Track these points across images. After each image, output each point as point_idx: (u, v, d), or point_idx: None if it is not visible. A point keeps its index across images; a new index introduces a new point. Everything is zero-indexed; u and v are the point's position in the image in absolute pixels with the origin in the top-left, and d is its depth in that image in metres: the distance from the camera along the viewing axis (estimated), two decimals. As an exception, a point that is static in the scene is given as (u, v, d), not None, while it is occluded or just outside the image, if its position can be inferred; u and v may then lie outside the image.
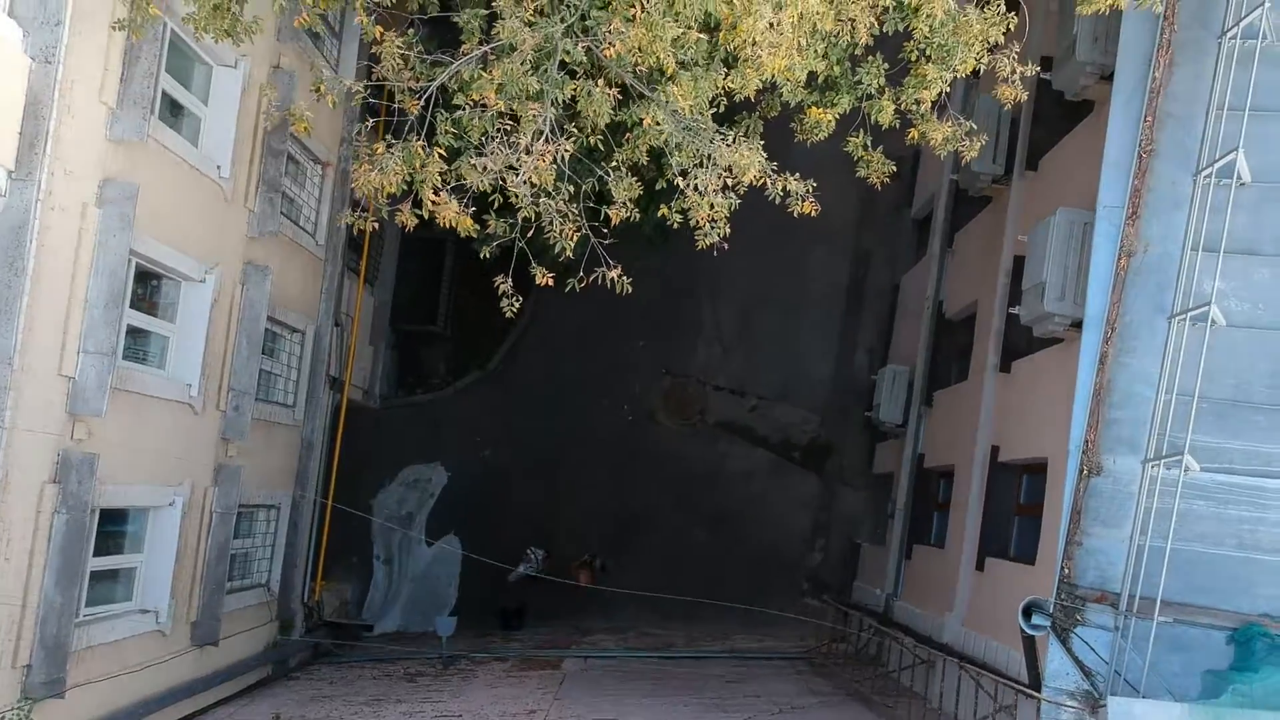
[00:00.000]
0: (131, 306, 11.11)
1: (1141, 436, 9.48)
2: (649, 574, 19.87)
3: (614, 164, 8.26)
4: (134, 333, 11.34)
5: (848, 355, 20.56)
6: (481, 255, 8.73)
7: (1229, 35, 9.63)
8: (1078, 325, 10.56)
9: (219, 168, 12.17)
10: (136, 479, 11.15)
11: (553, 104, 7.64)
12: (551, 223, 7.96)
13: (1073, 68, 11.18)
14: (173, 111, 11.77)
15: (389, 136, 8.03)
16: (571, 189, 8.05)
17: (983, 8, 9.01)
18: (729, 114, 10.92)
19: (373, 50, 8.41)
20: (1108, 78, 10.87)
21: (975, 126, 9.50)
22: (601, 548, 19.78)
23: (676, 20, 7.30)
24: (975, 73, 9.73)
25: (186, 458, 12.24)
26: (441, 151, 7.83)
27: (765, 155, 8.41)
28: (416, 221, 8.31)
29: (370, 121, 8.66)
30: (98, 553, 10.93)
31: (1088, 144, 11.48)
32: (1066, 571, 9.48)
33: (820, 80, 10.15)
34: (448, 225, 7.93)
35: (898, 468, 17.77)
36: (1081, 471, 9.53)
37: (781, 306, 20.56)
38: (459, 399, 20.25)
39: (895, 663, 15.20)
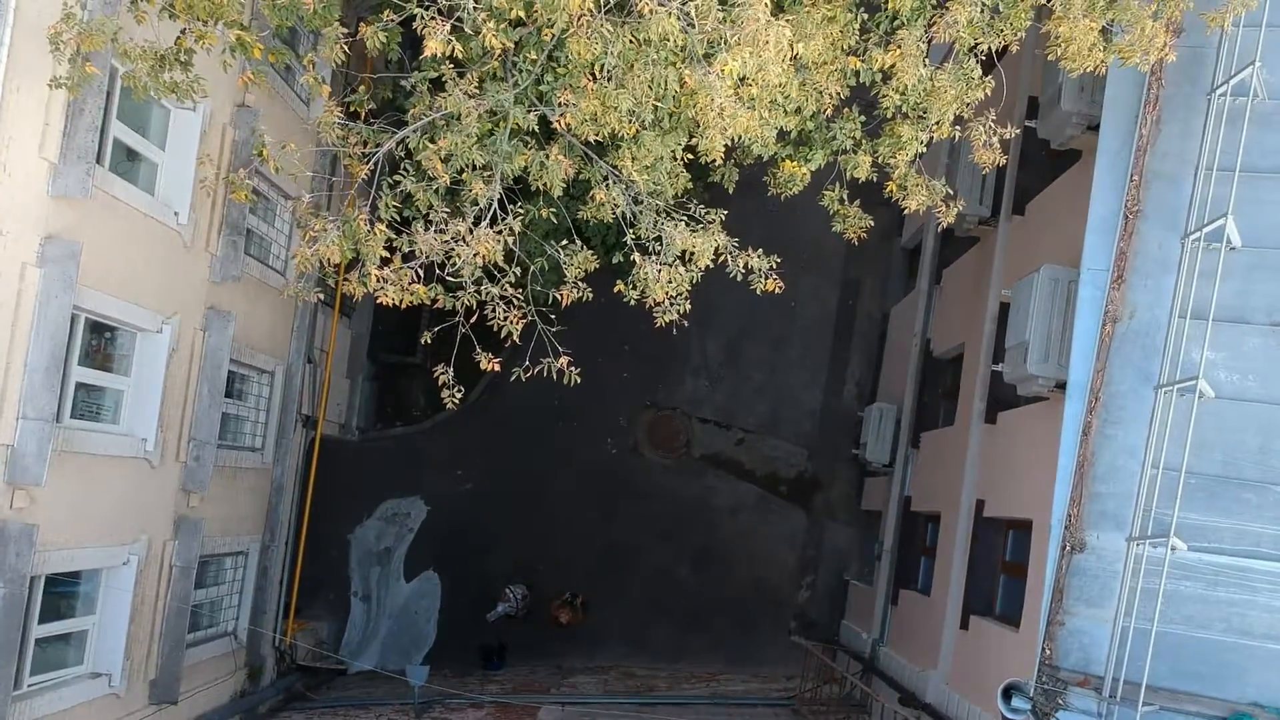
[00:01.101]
0: (83, 361, 10.73)
1: (1126, 512, 9.07)
2: (633, 611, 19.50)
3: (564, 243, 7.85)
4: (85, 388, 10.94)
5: (836, 387, 20.15)
6: (422, 340, 8.34)
7: (1219, 92, 9.22)
8: (1062, 386, 10.16)
9: (177, 214, 11.76)
10: (86, 541, 10.75)
11: (502, 177, 7.24)
12: (495, 309, 7.56)
13: (1058, 117, 10.77)
14: (128, 158, 11.39)
15: (326, 213, 7.62)
16: (519, 271, 7.66)
17: (960, 64, 8.61)
18: (704, 167, 10.55)
19: (320, 121, 8.00)
20: (1094, 128, 10.46)
21: (952, 192, 9.09)
22: (584, 583, 19.37)
23: (630, 92, 6.90)
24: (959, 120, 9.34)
25: (143, 513, 11.84)
26: (383, 228, 7.43)
27: (727, 216, 7.97)
28: (364, 291, 7.92)
29: (306, 197, 8.24)
30: (45, 618, 10.53)
31: (1074, 194, 11.07)
32: (1048, 652, 9.07)
33: (793, 135, 9.76)
34: (390, 304, 7.54)
35: (885, 507, 17.37)
36: (1064, 547, 9.12)
37: (769, 336, 20.15)
38: (439, 432, 19.83)
39: (879, 717, 14.79)
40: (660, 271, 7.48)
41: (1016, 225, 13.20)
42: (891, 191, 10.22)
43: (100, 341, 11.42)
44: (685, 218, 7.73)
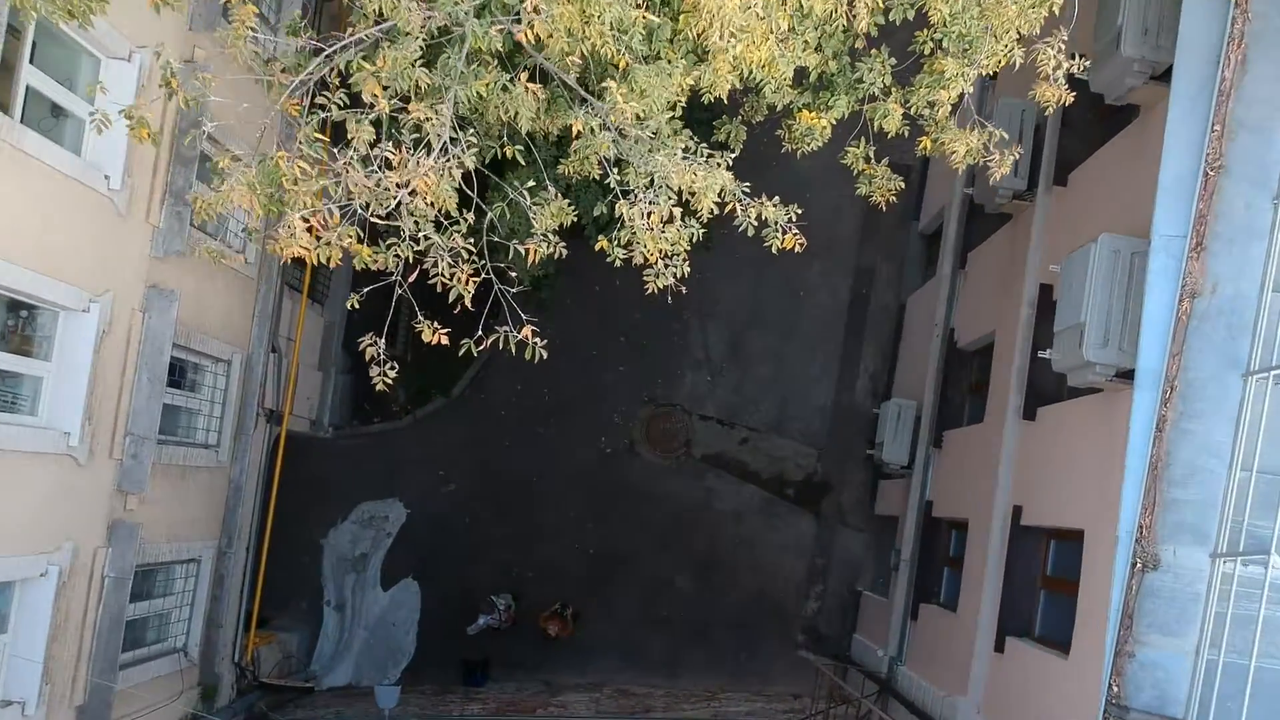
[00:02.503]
0: (-8, 344, 9.34)
1: (1210, 523, 7.63)
2: (627, 623, 18.09)
3: (529, 185, 6.38)
4: (-5, 374, 9.54)
5: (848, 383, 18.69)
6: (348, 304, 6.91)
7: (1320, 24, 7.79)
8: (1125, 375, 8.73)
9: (108, 178, 10.35)
10: (-8, 551, 9.34)
11: (455, 104, 5.82)
12: (437, 264, 6.10)
13: (1117, 66, 9.32)
14: (53, 113, 10.00)
15: (242, 152, 6.18)
16: (472, 218, 6.21)
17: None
18: (705, 118, 9.13)
19: (230, 35, 6.55)
20: (1160, 77, 9.04)
21: (1007, 136, 7.63)
22: (575, 593, 17.93)
23: (617, -4, 5.49)
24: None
25: (68, 517, 10.41)
26: (303, 165, 5.98)
27: (733, 174, 6.52)
28: (293, 252, 6.46)
29: (209, 125, 6.80)
30: (-57, 640, 9.14)
31: (1132, 156, 9.64)
32: (1115, 689, 7.63)
33: (812, 77, 8.33)
34: (315, 261, 6.11)
35: (903, 512, 15.93)
36: (1134, 564, 7.67)
37: (776, 328, 18.70)
38: (420, 429, 18.40)
39: (899, 745, 13.36)
40: (650, 215, 6.03)
41: (1058, 198, 11.76)
42: (926, 148, 8.81)
43: (16, 321, 10.01)
44: (683, 148, 6.28)
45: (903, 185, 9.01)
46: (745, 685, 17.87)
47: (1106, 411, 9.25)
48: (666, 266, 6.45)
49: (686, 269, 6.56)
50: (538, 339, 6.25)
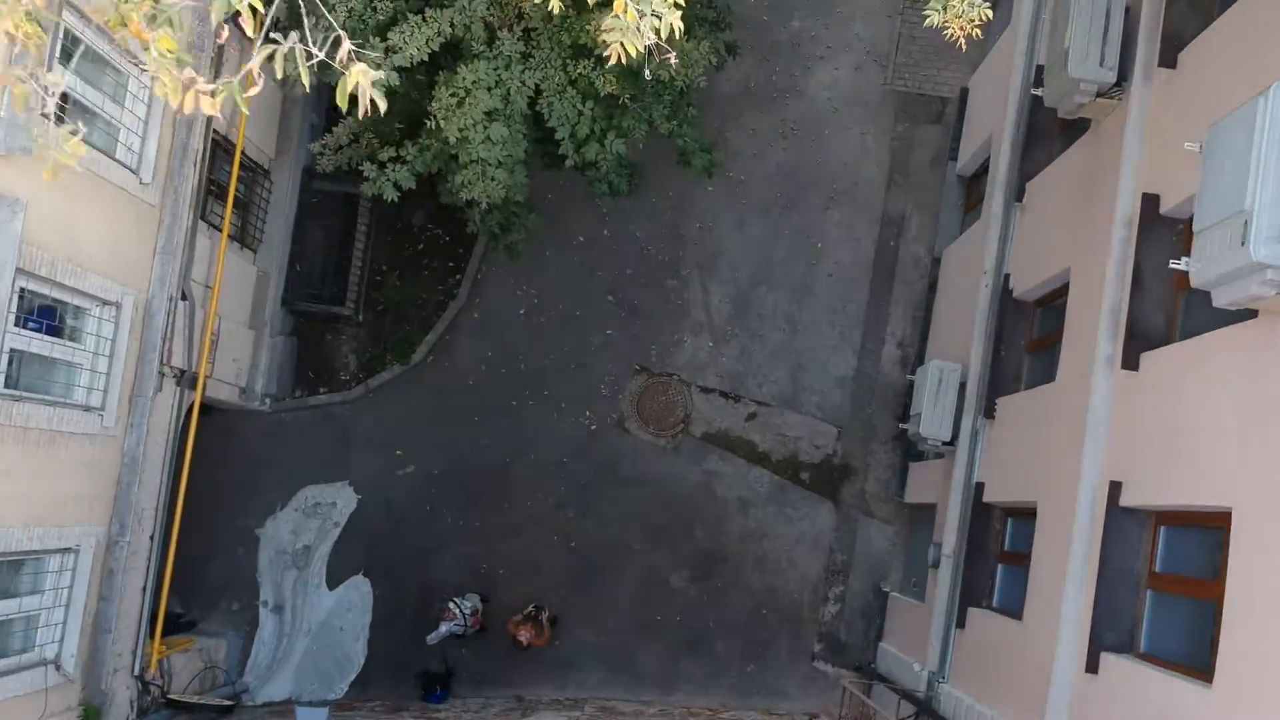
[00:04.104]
0: None
1: None
2: (614, 629, 15.48)
3: None
4: None
5: (873, 349, 16.06)
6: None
7: None
8: (1308, 283, 6.12)
9: (-92, 33, 7.72)
10: None
11: None
12: None
13: None
14: None
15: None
16: None
17: None
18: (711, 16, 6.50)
19: None
20: None
21: None
22: (553, 594, 15.33)
23: None
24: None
25: None
26: None
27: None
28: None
29: None
30: None
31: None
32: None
33: None
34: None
35: (943, 498, 13.31)
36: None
37: (789, 286, 16.09)
38: (373, 401, 15.78)
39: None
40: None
41: (1165, 85, 9.14)
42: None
43: None
44: None
45: (990, 15, 6.38)
46: (751, 702, 15.29)
47: (1268, 340, 6.64)
48: (641, 16, 3.80)
49: (678, 24, 3.92)
50: (369, 71, 3.51)
